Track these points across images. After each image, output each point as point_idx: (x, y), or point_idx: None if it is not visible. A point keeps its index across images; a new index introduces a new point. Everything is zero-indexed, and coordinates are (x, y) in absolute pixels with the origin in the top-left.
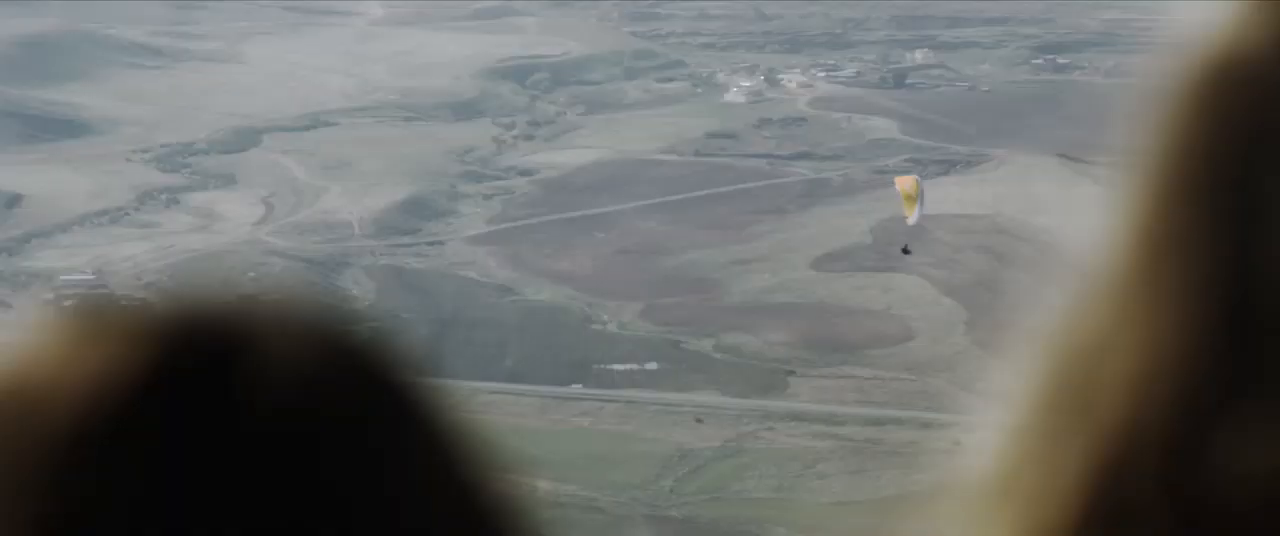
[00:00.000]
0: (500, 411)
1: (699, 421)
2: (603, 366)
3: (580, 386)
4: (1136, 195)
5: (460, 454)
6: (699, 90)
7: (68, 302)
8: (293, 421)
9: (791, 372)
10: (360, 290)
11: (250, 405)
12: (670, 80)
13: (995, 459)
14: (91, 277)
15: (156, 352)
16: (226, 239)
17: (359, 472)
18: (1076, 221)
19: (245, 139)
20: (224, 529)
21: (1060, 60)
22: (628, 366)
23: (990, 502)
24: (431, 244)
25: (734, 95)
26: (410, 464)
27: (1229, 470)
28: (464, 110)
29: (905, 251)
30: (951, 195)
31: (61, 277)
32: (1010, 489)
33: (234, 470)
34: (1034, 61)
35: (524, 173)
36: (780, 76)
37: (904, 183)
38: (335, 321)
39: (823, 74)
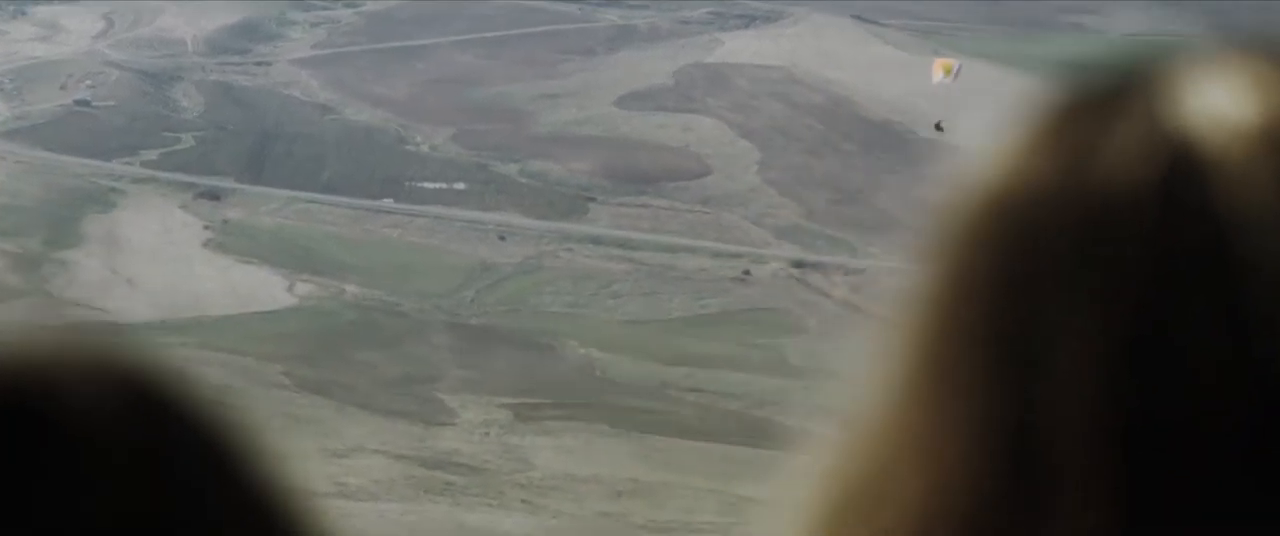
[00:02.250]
0: (316, 220)
1: (502, 239)
2: (413, 183)
3: (391, 201)
4: (918, 327)
5: (254, 480)
6: None
7: None
8: (88, 451)
9: (592, 199)
10: (190, 102)
11: (42, 436)
12: None
13: None
14: None
15: None
16: (68, 49)
17: (155, 500)
18: (867, 77)
19: None
20: None
21: None
22: (437, 185)
23: None
24: (259, 64)
25: None
26: (205, 490)
27: None
28: None
29: (939, 128)
30: (750, 47)
31: None
32: None
33: (29, 499)
34: None
35: (349, 4)
36: None
37: (946, 63)
38: (125, 355)
39: None
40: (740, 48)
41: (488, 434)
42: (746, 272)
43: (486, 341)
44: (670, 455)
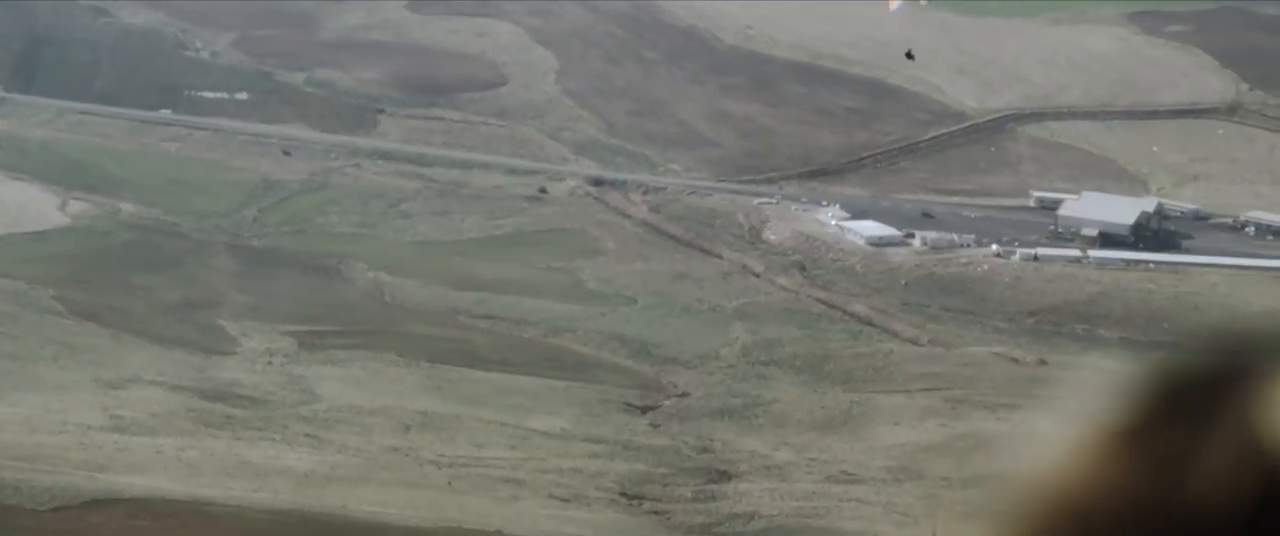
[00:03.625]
0: (89, 131)
1: (286, 153)
2: (193, 93)
3: (170, 112)
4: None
5: None
6: None
7: None
8: None
9: (381, 111)
10: None
11: None
12: None
13: None
14: None
15: None
16: None
17: None
18: None
19: None
20: None
21: None
22: (218, 95)
23: None
24: None
25: None
26: None
27: None
28: None
29: (909, 56)
30: None
31: None
32: None
33: None
34: None
35: None
36: None
37: None
38: None
39: None
40: None
41: (271, 363)
42: (542, 190)
43: (270, 264)
44: (461, 386)
